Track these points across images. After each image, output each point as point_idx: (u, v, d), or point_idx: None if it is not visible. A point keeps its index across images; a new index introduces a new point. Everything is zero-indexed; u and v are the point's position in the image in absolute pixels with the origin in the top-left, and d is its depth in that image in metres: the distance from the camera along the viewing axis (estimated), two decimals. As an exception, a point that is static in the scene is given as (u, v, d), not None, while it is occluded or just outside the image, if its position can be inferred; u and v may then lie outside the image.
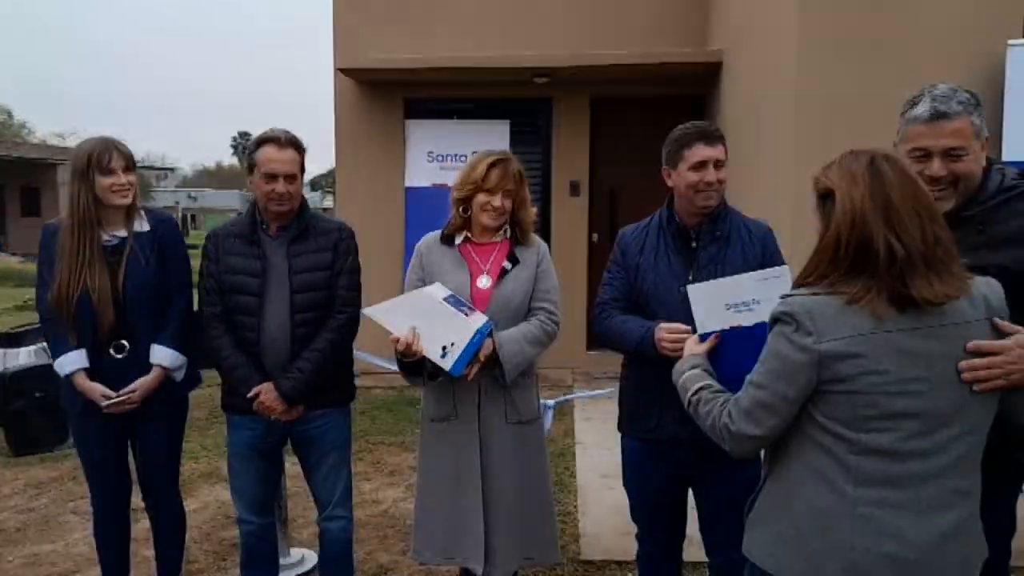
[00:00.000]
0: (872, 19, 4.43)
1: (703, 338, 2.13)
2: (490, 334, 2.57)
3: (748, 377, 1.70)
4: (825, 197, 1.67)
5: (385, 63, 7.00)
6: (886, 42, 4.42)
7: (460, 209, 2.75)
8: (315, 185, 48.35)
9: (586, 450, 5.07)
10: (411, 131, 7.51)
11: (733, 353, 2.05)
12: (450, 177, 7.38)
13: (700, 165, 2.40)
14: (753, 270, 2.30)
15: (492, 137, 7.30)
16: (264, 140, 2.76)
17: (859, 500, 1.58)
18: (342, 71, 7.21)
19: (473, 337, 2.51)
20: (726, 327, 2.11)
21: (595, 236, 7.67)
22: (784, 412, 1.64)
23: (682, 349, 2.14)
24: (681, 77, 7.09)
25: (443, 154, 7.45)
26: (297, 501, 4.10)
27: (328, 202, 41.32)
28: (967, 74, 4.31)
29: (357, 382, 3.06)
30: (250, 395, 2.73)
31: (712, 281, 2.23)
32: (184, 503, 3.15)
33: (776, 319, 1.64)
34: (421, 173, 7.48)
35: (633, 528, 2.80)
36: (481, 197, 2.68)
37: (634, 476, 2.68)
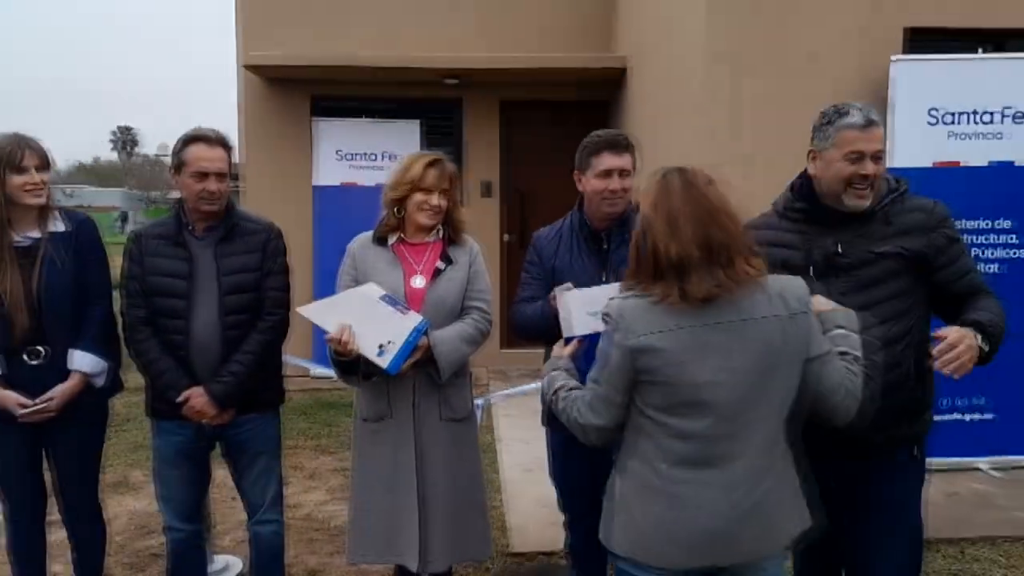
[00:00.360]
0: (773, 35, 4.73)
1: (567, 341, 2.30)
2: (426, 333, 2.61)
3: (589, 375, 1.90)
4: (636, 210, 1.95)
5: (293, 60, 6.88)
6: (786, 57, 4.72)
7: (394, 210, 2.77)
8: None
9: (508, 445, 5.17)
10: (319, 129, 7.39)
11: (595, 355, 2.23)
12: (360, 176, 7.44)
13: (606, 174, 2.54)
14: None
15: (403, 137, 7.31)
16: (193, 138, 2.70)
17: (674, 479, 1.79)
18: (248, 67, 7.03)
19: (410, 336, 2.55)
20: (588, 332, 2.27)
21: (507, 237, 7.78)
22: (618, 402, 1.84)
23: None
24: (588, 82, 7.30)
25: (353, 153, 7.37)
26: (215, 507, 3.99)
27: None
28: (859, 86, 4.68)
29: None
30: (180, 399, 2.67)
31: (583, 289, 2.37)
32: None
33: (604, 322, 1.86)
34: (330, 172, 7.38)
35: (559, 518, 2.89)
36: (418, 196, 2.71)
37: (560, 468, 2.79)
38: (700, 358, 1.75)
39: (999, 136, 4.48)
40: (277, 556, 3.02)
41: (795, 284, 1.85)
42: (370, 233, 2.85)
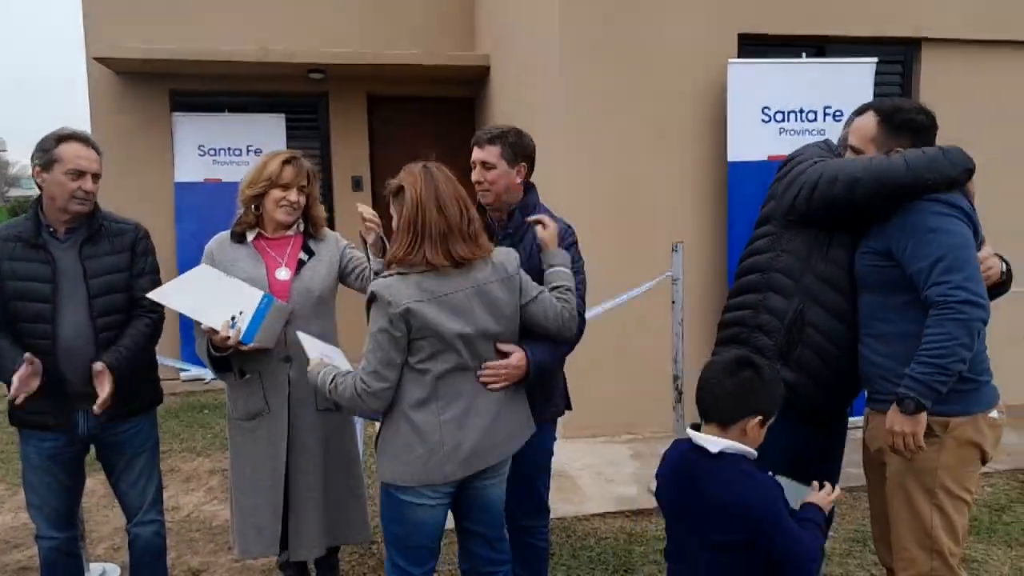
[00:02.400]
0: (623, 33, 5.06)
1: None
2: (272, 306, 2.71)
3: (364, 350, 2.25)
4: (397, 193, 2.34)
5: (149, 53, 6.61)
6: (636, 55, 5.08)
7: (252, 207, 2.84)
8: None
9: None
10: (179, 125, 7.17)
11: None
12: (224, 172, 7.29)
13: (472, 166, 2.72)
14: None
15: (267, 131, 7.21)
16: (67, 137, 2.66)
17: (441, 410, 2.27)
18: (98, 60, 6.70)
19: (260, 303, 2.62)
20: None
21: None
22: (398, 362, 2.24)
23: None
24: (452, 78, 7.46)
25: (216, 148, 7.20)
26: (88, 515, 3.89)
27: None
28: (701, 85, 5.11)
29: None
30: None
31: (310, 339, 2.62)
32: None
33: (371, 300, 2.24)
34: (192, 168, 7.17)
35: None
36: (276, 193, 2.81)
37: None
38: (450, 317, 2.23)
39: (822, 133, 5.01)
40: (159, 556, 3.01)
41: (511, 254, 2.42)
42: (228, 232, 2.91)
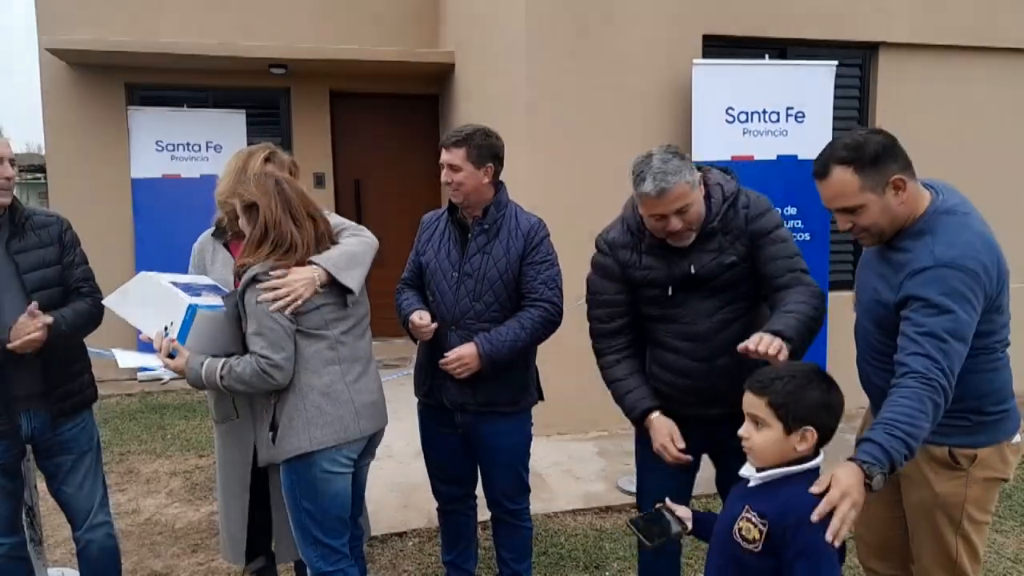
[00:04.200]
0: (588, 33, 5.08)
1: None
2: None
3: (252, 331, 2.31)
4: (250, 207, 2.39)
5: (103, 45, 6.44)
6: (601, 55, 5.10)
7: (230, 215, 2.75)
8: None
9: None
10: (135, 119, 7.00)
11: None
12: (183, 168, 7.17)
13: (441, 166, 2.74)
14: (512, 260, 2.70)
15: (227, 127, 7.09)
16: None
17: (345, 372, 2.43)
18: (51, 51, 6.51)
19: (186, 313, 2.46)
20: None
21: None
22: (289, 330, 2.33)
23: (418, 326, 2.76)
24: (417, 75, 7.41)
25: (174, 143, 7.05)
26: (43, 520, 3.77)
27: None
28: (665, 85, 5.15)
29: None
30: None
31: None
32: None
33: (247, 286, 2.32)
34: (149, 164, 7.01)
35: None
36: None
37: (423, 435, 3.00)
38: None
39: (784, 133, 5.10)
40: (115, 559, 2.92)
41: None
42: (211, 228, 2.86)
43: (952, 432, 2.08)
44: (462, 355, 2.67)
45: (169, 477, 4.63)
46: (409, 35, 7.48)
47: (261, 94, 7.43)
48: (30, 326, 2.49)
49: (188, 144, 7.07)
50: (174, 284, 2.52)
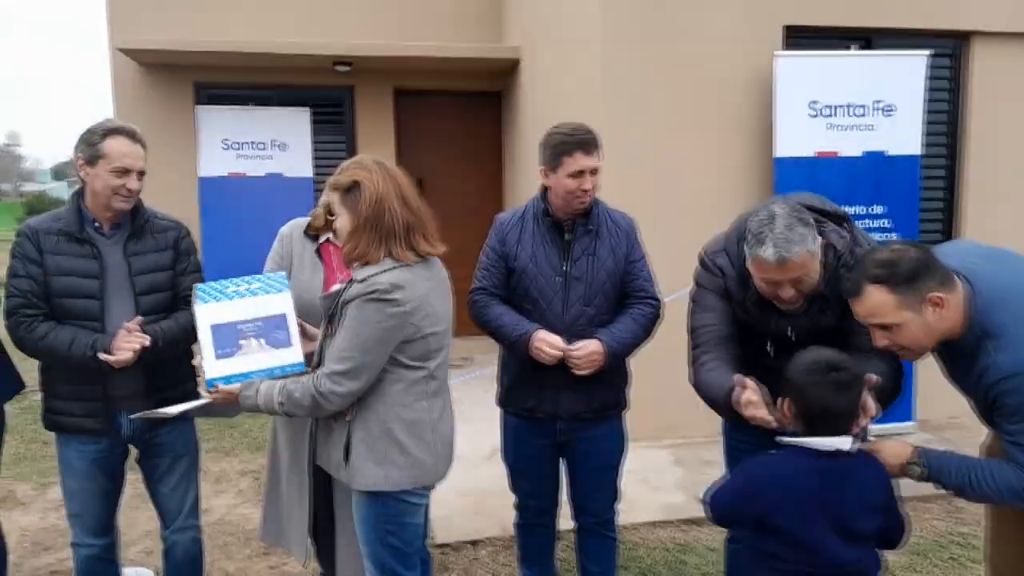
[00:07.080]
0: (665, 24, 4.90)
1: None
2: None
3: (337, 348, 2.08)
4: (350, 189, 2.15)
5: (173, 45, 6.51)
6: (678, 50, 4.91)
7: (327, 211, 2.65)
8: (58, 174, 43.28)
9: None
10: (202, 118, 7.04)
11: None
12: (248, 166, 7.19)
13: (579, 174, 2.54)
14: (618, 260, 2.57)
15: (293, 125, 7.09)
16: (114, 131, 2.54)
17: (431, 408, 2.21)
18: (123, 51, 6.60)
19: (275, 369, 2.32)
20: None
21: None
22: (379, 364, 2.11)
23: (553, 356, 2.53)
24: (480, 72, 7.31)
25: (240, 142, 7.06)
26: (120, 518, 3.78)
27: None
28: (745, 78, 4.95)
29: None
30: (103, 355, 2.42)
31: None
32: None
33: (364, 296, 2.05)
34: (216, 162, 7.04)
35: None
36: None
37: (514, 449, 2.85)
38: (437, 310, 2.19)
39: (871, 128, 4.85)
40: (198, 563, 2.90)
41: None
42: (305, 222, 2.78)
43: None
44: (592, 351, 2.53)
45: (239, 477, 4.61)
46: (472, 31, 7.40)
47: (326, 93, 7.43)
48: (126, 343, 2.45)
49: (253, 142, 7.08)
50: (232, 323, 2.34)
